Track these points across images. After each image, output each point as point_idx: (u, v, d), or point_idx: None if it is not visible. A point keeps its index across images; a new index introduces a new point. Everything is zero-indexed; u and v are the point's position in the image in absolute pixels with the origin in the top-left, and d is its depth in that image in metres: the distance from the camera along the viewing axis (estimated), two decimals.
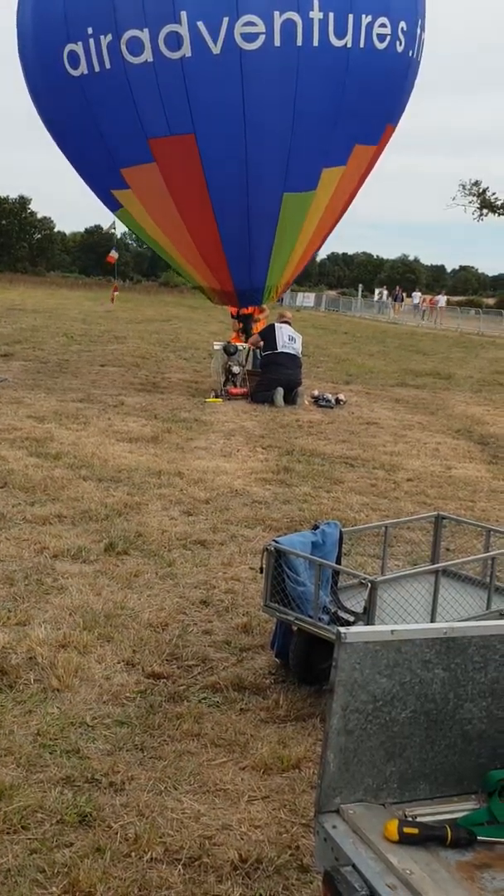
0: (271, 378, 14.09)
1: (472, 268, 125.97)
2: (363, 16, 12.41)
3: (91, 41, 12.31)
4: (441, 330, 44.15)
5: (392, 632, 2.25)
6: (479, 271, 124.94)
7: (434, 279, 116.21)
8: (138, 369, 17.32)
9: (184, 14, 11.78)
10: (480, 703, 2.37)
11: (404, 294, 65.38)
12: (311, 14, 12.02)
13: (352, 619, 4.32)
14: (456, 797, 2.37)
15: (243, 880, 3.07)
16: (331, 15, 12.13)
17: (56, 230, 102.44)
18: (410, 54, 13.61)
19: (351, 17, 12.30)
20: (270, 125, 12.47)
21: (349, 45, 12.39)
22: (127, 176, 13.34)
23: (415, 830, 2.15)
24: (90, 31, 12.27)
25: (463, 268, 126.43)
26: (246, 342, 15.04)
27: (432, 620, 4.33)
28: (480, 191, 61.66)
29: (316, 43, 12.14)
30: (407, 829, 2.15)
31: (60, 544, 6.36)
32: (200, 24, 11.85)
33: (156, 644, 4.85)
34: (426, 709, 2.31)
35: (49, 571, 5.85)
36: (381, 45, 12.78)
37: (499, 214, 61.52)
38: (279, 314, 15.40)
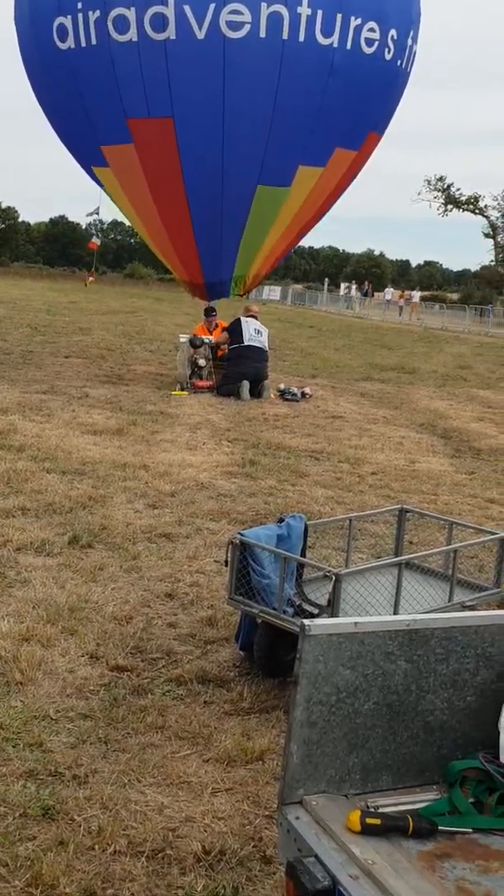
0: (237, 371, 14.09)
1: (437, 263, 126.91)
2: (352, 17, 12.43)
3: (80, 15, 12.34)
4: (406, 325, 44.40)
5: (355, 624, 2.26)
6: (444, 266, 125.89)
7: (399, 274, 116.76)
8: (103, 361, 17.21)
9: None
10: (442, 694, 2.40)
11: (371, 288, 65.45)
12: (299, 9, 12.04)
13: (316, 611, 4.35)
14: (418, 788, 2.40)
15: (206, 872, 3.08)
16: (319, 12, 12.15)
17: (20, 220, 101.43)
18: (399, 64, 13.64)
19: (339, 16, 12.32)
20: (250, 115, 12.47)
21: (335, 45, 12.42)
22: (107, 154, 13.34)
23: (377, 821, 2.17)
24: (79, 5, 12.30)
25: (428, 263, 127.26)
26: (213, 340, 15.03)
27: (395, 613, 4.36)
28: (445, 186, 62.28)
29: (302, 38, 12.15)
30: (369, 820, 2.17)
31: (24, 537, 6.31)
32: (187, 8, 11.86)
33: (120, 637, 4.84)
34: (389, 700, 2.33)
35: (12, 564, 5.81)
36: (368, 50, 12.81)
37: (463, 210, 62.12)
38: (245, 308, 15.39)
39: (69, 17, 12.44)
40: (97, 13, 12.16)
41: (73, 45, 12.59)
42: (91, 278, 32.13)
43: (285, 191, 13.39)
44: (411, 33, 13.83)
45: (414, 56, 14.24)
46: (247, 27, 11.95)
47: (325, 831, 2.15)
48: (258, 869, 3.12)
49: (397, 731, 2.36)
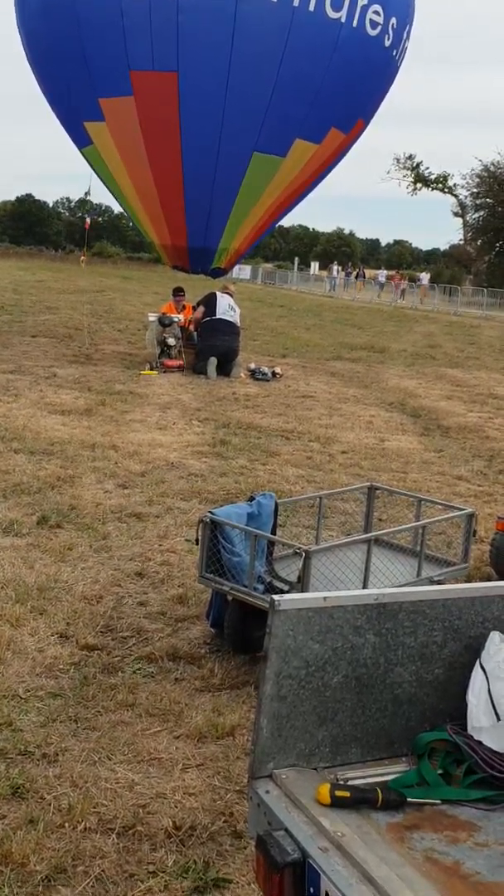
0: (208, 345, 14.08)
1: (407, 242, 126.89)
2: None
3: None
4: (375, 304, 44.46)
5: (325, 598, 2.26)
6: (413, 245, 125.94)
7: (369, 253, 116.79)
8: (71, 340, 17.07)
9: None
10: (410, 667, 2.41)
11: (363, 270, 64.43)
12: None
13: (286, 588, 4.36)
14: (387, 760, 2.41)
15: (177, 847, 3.09)
16: None
17: None
18: (394, 53, 13.78)
19: None
20: (254, 79, 12.43)
21: (343, 21, 12.47)
22: (104, 106, 13.12)
23: (346, 794, 2.18)
24: None
25: (397, 242, 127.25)
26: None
27: (365, 588, 4.38)
28: (414, 165, 62.23)
29: (311, 8, 12.18)
30: (338, 793, 2.17)
31: None
32: None
33: (90, 616, 4.82)
34: (357, 673, 2.33)
35: None
36: (372, 32, 12.91)
37: (432, 189, 62.13)
38: (223, 285, 15.42)
39: None
40: None
41: None
42: (83, 258, 32.19)
43: (279, 161, 13.36)
44: (407, 28, 13.99)
45: (405, 52, 14.28)
46: None
47: (295, 804, 2.15)
48: (229, 844, 3.13)
49: (366, 705, 2.37)
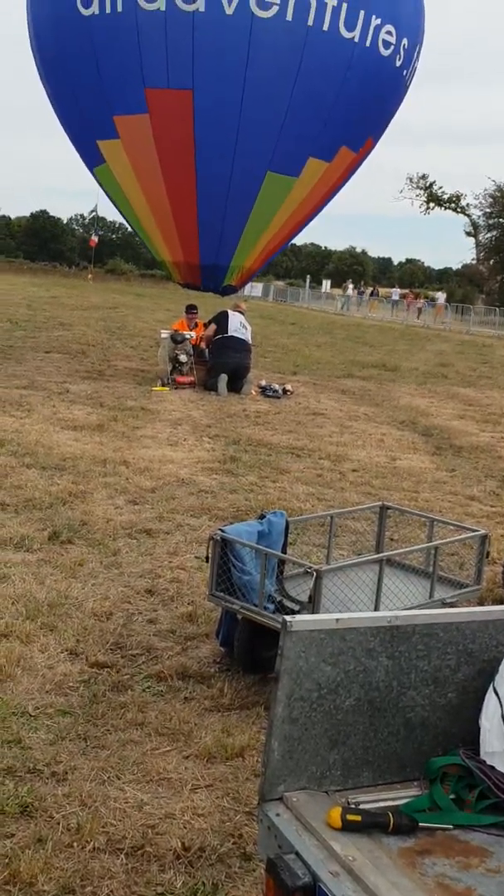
0: (220, 362, 14.13)
1: (419, 261, 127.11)
2: (373, 16, 12.66)
3: None
4: (387, 322, 44.50)
5: (337, 620, 2.25)
6: (426, 264, 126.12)
7: (381, 271, 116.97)
8: (84, 357, 17.14)
9: None
10: (423, 690, 2.39)
11: (377, 289, 64.43)
12: None
13: (297, 608, 4.34)
14: (398, 784, 2.39)
15: (186, 869, 3.06)
16: (344, 5, 12.33)
17: (1, 214, 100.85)
18: (405, 74, 13.92)
19: (362, 13, 12.52)
20: (269, 97, 12.53)
21: (356, 40, 12.61)
22: (119, 124, 13.21)
23: (357, 817, 2.16)
24: None
25: (409, 260, 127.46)
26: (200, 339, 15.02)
27: (376, 609, 4.36)
28: (427, 185, 62.50)
29: (326, 27, 12.32)
30: (350, 817, 2.16)
31: (3, 533, 6.27)
32: None
33: (100, 633, 4.81)
34: (370, 696, 2.32)
35: None
36: (384, 52, 13.08)
37: (445, 208, 62.33)
38: (234, 304, 15.46)
39: None
40: None
41: (97, 12, 12.51)
42: (90, 275, 32.47)
43: (293, 181, 13.44)
44: (417, 48, 14.11)
45: (415, 72, 14.39)
46: (275, 8, 12.08)
47: (306, 828, 2.14)
48: (238, 866, 3.11)
49: (378, 728, 2.36)
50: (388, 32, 12.98)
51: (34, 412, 10.83)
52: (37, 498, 7.19)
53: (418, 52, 14.22)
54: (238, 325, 14.38)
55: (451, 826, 2.21)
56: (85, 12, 12.61)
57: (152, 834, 3.23)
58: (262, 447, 10.20)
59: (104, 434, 9.98)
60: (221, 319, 14.48)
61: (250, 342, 14.72)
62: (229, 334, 14.25)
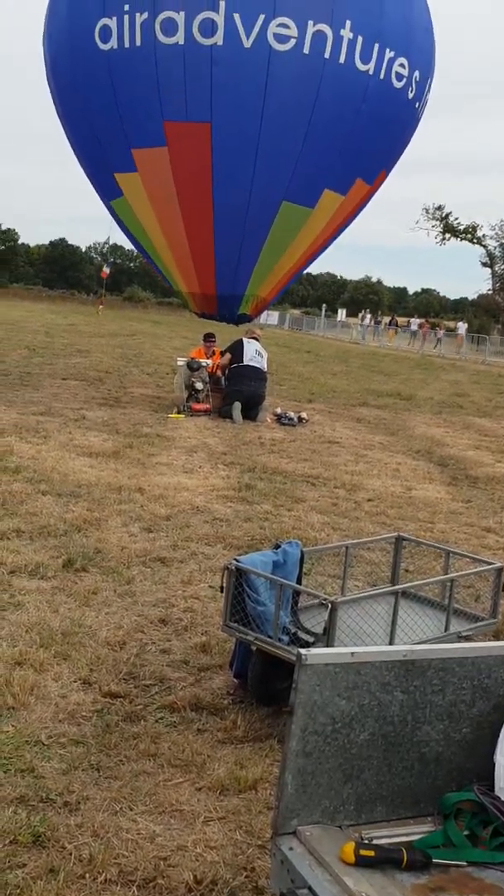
0: (235, 390, 14.21)
1: (434, 291, 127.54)
2: (387, 49, 12.80)
3: (126, 17, 12.46)
4: (402, 351, 44.56)
5: (352, 654, 2.26)
6: (441, 294, 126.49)
7: (396, 301, 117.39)
8: (101, 383, 17.24)
9: (222, 4, 12.05)
10: (438, 725, 2.39)
11: (395, 319, 64.58)
12: (342, 32, 12.36)
13: (311, 639, 4.33)
14: (412, 819, 2.38)
15: None
16: (360, 38, 12.47)
17: (20, 242, 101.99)
18: (417, 106, 14.06)
19: (377, 45, 12.65)
20: (285, 129, 12.66)
21: (371, 73, 12.75)
22: (137, 157, 13.33)
23: (371, 853, 2.15)
24: (127, 7, 12.43)
25: (425, 290, 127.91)
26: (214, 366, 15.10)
27: (391, 642, 4.35)
28: (443, 215, 62.76)
29: (342, 60, 12.45)
30: (363, 852, 2.15)
31: (18, 560, 6.29)
32: (236, 16, 12.08)
33: (113, 663, 4.81)
34: (384, 731, 2.32)
35: (6, 587, 5.78)
36: (397, 84, 13.21)
37: (461, 239, 62.54)
38: (248, 330, 15.49)
39: (114, 18, 12.54)
40: (145, 15, 12.30)
41: (115, 46, 12.65)
42: (101, 306, 32.59)
43: (308, 212, 13.54)
44: (429, 81, 14.26)
45: (426, 105, 14.54)
46: (292, 41, 12.21)
47: (319, 862, 2.13)
48: None
49: (392, 762, 2.35)
50: (402, 65, 13.12)
51: (50, 438, 10.89)
52: (52, 525, 7.22)
53: (429, 86, 14.37)
54: (253, 354, 14.47)
55: (465, 863, 2.20)
56: (104, 47, 12.77)
57: (164, 866, 3.21)
58: (278, 475, 10.21)
59: (120, 461, 10.02)
60: (236, 348, 14.57)
61: (266, 370, 14.79)
62: (245, 363, 14.34)
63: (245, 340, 14.68)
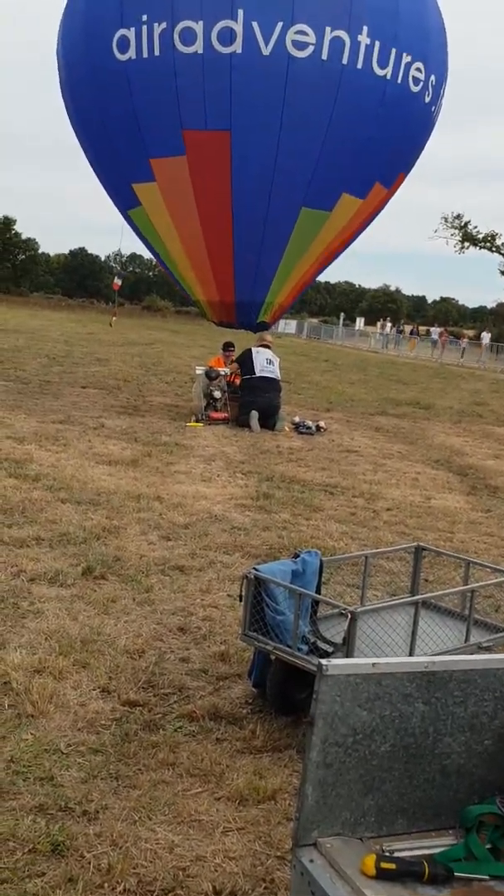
0: (248, 401, 14.19)
1: (453, 299, 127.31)
2: (404, 54, 12.89)
3: (144, 27, 12.55)
4: (420, 360, 44.47)
5: (374, 665, 2.25)
6: (460, 303, 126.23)
7: (415, 310, 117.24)
8: (119, 392, 17.30)
9: (241, 12, 12.13)
10: (459, 737, 2.37)
11: (417, 328, 64.37)
12: (360, 38, 12.45)
13: (331, 649, 4.31)
14: (434, 832, 2.36)
15: None
16: (377, 43, 12.57)
17: (40, 251, 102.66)
18: (433, 110, 14.16)
19: (394, 51, 12.75)
20: (305, 134, 12.73)
21: (388, 77, 12.85)
22: (155, 167, 13.38)
23: (392, 866, 2.14)
24: (145, 18, 12.52)
25: (444, 299, 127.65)
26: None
27: (411, 653, 4.32)
28: (462, 224, 62.58)
29: (360, 66, 12.54)
30: (384, 865, 2.13)
31: (38, 567, 6.31)
32: (255, 24, 12.18)
33: (132, 671, 4.81)
34: (405, 743, 2.30)
35: (25, 595, 5.80)
36: (414, 89, 13.30)
37: (480, 247, 62.34)
38: (259, 337, 15.34)
39: (132, 29, 12.62)
40: (163, 25, 12.37)
41: (133, 56, 12.71)
42: (114, 317, 32.67)
43: (326, 215, 13.58)
44: (444, 85, 14.33)
45: (441, 109, 14.56)
46: (311, 48, 12.29)
47: (340, 875, 2.11)
48: None
49: (414, 774, 2.33)
50: (418, 69, 13.18)
51: (70, 447, 10.93)
52: (71, 532, 7.24)
53: (444, 89, 14.43)
54: (264, 363, 14.38)
55: (487, 877, 2.18)
56: (121, 57, 12.84)
57: (183, 876, 3.20)
58: (296, 484, 10.19)
59: (138, 469, 10.04)
60: (245, 360, 14.50)
61: (279, 378, 14.71)
62: (256, 375, 14.29)
63: (254, 350, 14.59)
